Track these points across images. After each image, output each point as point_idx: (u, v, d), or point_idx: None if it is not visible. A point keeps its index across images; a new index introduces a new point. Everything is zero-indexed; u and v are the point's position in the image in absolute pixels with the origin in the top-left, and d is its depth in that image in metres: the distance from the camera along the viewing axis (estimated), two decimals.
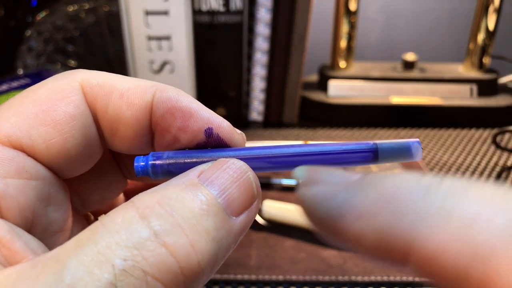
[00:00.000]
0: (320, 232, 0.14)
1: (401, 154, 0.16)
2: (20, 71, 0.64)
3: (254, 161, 0.16)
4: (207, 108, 0.17)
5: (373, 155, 0.16)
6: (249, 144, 0.61)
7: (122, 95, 0.16)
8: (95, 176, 0.19)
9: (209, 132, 0.16)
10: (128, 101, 0.16)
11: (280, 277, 0.36)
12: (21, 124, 0.15)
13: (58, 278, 0.11)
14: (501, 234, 0.09)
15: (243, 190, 0.15)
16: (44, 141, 0.15)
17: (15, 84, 0.48)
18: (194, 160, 0.16)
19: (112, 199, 0.21)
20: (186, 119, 0.16)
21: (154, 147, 0.17)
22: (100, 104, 0.16)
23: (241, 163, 0.15)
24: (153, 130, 0.17)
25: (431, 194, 0.11)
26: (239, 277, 0.36)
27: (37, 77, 0.51)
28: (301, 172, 0.15)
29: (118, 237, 0.12)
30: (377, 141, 0.16)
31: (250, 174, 0.15)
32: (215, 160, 0.15)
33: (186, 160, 0.16)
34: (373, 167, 0.48)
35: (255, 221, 0.43)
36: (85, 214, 0.20)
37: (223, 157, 0.16)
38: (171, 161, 0.16)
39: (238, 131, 0.18)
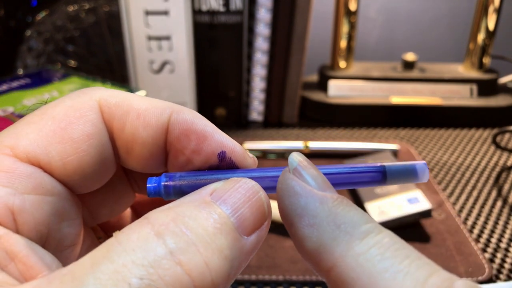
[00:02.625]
0: (281, 217, 0.16)
1: (408, 176, 0.16)
2: (20, 71, 0.64)
3: (265, 180, 0.16)
4: (221, 131, 0.17)
5: (382, 177, 0.16)
6: (250, 144, 0.60)
7: (139, 115, 0.16)
8: (106, 191, 0.19)
9: (222, 156, 0.17)
10: (145, 121, 0.16)
11: (280, 277, 0.36)
12: (40, 141, 0.15)
13: None
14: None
15: (255, 210, 0.15)
16: (61, 158, 0.15)
17: (15, 84, 0.48)
18: (208, 180, 0.16)
19: (120, 212, 0.21)
20: (201, 141, 0.16)
21: (167, 167, 0.18)
22: (117, 124, 0.16)
23: (253, 182, 0.15)
24: (167, 150, 0.17)
25: (366, 242, 0.13)
26: (239, 277, 0.36)
27: (37, 77, 0.51)
28: (294, 159, 0.16)
29: (134, 255, 0.12)
30: (385, 163, 0.17)
31: (262, 194, 0.15)
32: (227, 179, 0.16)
33: (198, 181, 0.16)
34: None
35: None
36: (93, 227, 0.20)
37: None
38: (184, 181, 0.16)
39: (251, 154, 0.18)
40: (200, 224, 0.13)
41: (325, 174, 0.16)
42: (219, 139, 0.17)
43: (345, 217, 0.14)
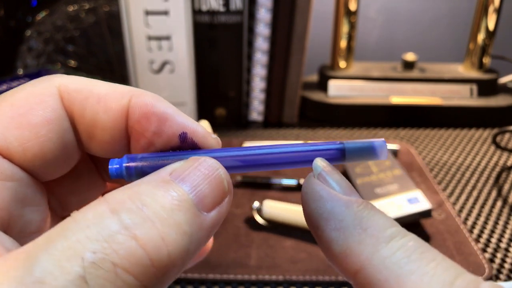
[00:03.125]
0: (306, 221, 0.16)
1: (367, 153, 0.17)
2: (20, 71, 0.64)
3: (225, 159, 0.16)
4: (183, 114, 0.17)
5: (341, 154, 0.17)
6: (248, 144, 0.60)
7: (99, 100, 0.16)
8: (73, 179, 0.19)
9: (183, 137, 0.17)
10: (105, 106, 0.16)
11: (280, 277, 0.36)
12: None
13: (27, 272, 0.11)
14: None
15: (214, 187, 0.15)
16: (20, 143, 0.15)
17: (15, 84, 0.48)
18: (168, 161, 0.16)
19: (90, 201, 0.21)
20: (161, 123, 0.17)
21: (130, 150, 0.18)
22: (77, 109, 0.16)
23: (212, 160, 0.15)
24: (129, 134, 0.17)
25: (391, 245, 0.14)
26: (239, 277, 0.36)
27: (37, 77, 0.51)
28: (319, 164, 0.16)
29: (89, 231, 0.12)
30: (344, 141, 0.17)
31: (221, 171, 0.15)
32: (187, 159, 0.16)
33: (159, 161, 0.16)
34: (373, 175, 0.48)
35: (255, 221, 0.43)
36: (64, 216, 0.20)
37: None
38: (145, 163, 0.16)
39: (213, 135, 0.18)
40: (157, 201, 0.13)
41: (283, 152, 0.16)
42: (180, 121, 0.17)
43: (371, 221, 0.14)
